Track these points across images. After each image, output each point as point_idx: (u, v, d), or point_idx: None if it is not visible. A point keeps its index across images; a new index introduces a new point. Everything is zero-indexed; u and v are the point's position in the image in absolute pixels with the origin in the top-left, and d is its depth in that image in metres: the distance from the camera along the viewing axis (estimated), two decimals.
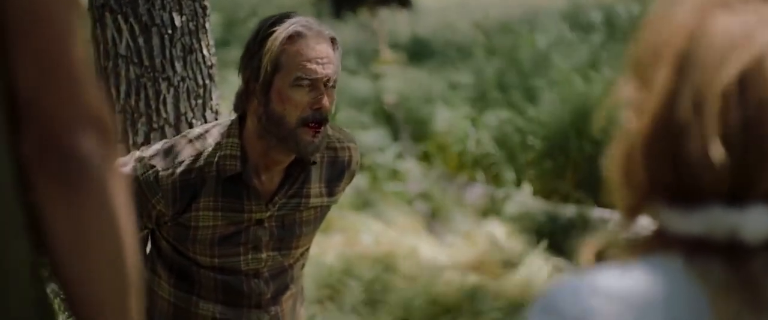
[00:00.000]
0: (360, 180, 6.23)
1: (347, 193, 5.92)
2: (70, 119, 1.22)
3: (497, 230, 5.63)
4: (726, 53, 1.04)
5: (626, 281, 1.04)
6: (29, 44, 1.21)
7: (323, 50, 2.58)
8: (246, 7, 11.78)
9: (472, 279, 5.15)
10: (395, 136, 7.03)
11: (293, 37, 2.58)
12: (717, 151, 1.02)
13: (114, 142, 1.25)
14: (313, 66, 2.56)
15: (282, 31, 2.58)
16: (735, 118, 1.03)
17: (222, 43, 8.62)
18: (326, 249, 5.48)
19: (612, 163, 1.10)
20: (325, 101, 2.56)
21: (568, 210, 5.92)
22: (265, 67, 2.58)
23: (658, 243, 1.07)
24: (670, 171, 1.05)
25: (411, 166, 6.60)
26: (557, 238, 5.51)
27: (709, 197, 1.04)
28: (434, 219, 5.95)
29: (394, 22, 10.72)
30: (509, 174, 6.41)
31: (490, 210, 6.00)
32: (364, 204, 5.97)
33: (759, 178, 1.03)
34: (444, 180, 6.48)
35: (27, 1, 1.21)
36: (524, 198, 6.05)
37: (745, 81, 1.03)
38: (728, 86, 1.03)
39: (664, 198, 1.07)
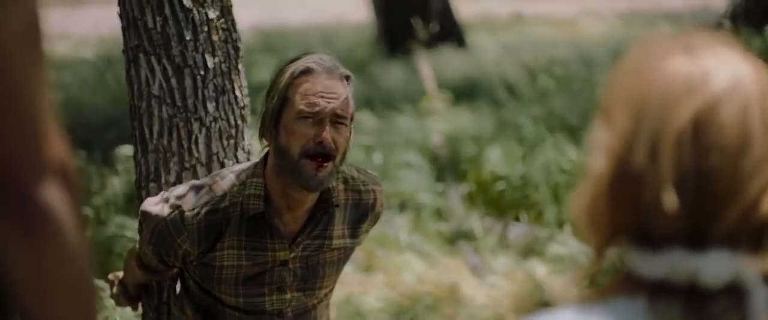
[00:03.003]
0: (403, 220, 6.23)
1: (390, 233, 5.95)
2: (30, 166, 1.21)
3: (539, 270, 5.60)
4: (680, 97, 1.04)
5: None
6: None
7: (331, 86, 2.60)
8: (299, 49, 11.89)
9: (513, 319, 5.13)
10: (440, 176, 7.03)
11: (303, 73, 2.61)
12: (669, 198, 1.02)
13: (75, 189, 1.24)
14: (317, 99, 2.58)
15: (293, 67, 2.62)
16: (688, 162, 1.02)
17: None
18: (368, 289, 5.48)
19: (578, 205, 1.10)
20: (327, 134, 2.57)
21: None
22: (274, 101, 2.62)
23: (624, 286, 1.08)
24: (632, 215, 1.06)
25: (455, 205, 6.59)
26: (598, 280, 5.46)
27: (670, 241, 1.04)
28: (476, 258, 5.94)
29: (445, 62, 10.75)
30: (552, 215, 6.38)
31: (533, 250, 5.97)
32: (406, 243, 5.97)
33: (714, 223, 1.02)
34: (487, 220, 6.46)
35: None
36: (566, 239, 6.02)
37: (698, 125, 1.03)
38: (682, 130, 1.03)
39: (628, 241, 1.07)
